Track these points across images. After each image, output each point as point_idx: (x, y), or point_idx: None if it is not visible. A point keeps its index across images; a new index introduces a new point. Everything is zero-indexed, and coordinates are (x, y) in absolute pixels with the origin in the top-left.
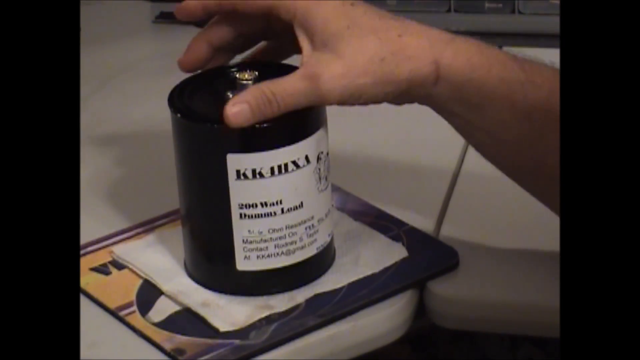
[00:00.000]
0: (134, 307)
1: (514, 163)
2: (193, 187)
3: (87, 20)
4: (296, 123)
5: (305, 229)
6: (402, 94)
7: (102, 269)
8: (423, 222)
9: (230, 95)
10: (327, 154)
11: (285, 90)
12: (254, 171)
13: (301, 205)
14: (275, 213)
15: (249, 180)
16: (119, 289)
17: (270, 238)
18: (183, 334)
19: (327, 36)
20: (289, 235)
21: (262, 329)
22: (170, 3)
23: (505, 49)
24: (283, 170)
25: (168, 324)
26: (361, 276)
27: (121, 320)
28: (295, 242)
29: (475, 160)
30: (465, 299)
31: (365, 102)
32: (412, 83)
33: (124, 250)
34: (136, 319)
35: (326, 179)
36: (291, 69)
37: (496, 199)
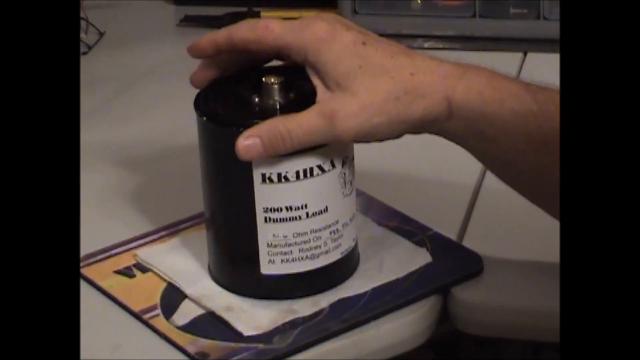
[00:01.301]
0: (158, 310)
1: (533, 190)
2: (218, 191)
3: (112, 22)
4: None
5: (330, 233)
6: (416, 129)
7: (127, 272)
8: (447, 228)
9: (256, 100)
10: (352, 158)
11: (301, 127)
12: (279, 175)
13: (326, 209)
14: (300, 217)
15: (274, 184)
16: (143, 292)
17: (295, 242)
18: (207, 337)
19: (340, 76)
20: (313, 239)
21: (285, 333)
22: (195, 7)
23: (530, 54)
24: (308, 175)
25: (192, 327)
26: (385, 281)
27: (145, 323)
28: (320, 247)
29: None
30: (489, 304)
31: (379, 140)
32: (425, 120)
33: (147, 254)
34: (160, 322)
35: (351, 183)
36: None
37: (521, 205)
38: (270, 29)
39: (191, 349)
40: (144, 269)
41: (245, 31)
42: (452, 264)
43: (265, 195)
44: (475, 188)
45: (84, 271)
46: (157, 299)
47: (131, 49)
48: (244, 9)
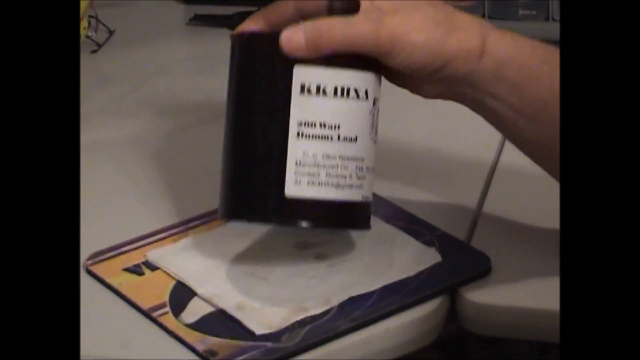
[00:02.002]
0: (167, 308)
1: (552, 149)
2: (251, 105)
3: (122, 21)
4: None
5: (356, 168)
6: (446, 66)
7: (136, 270)
8: (455, 228)
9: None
10: (378, 111)
11: (347, 26)
12: (318, 87)
13: (355, 139)
14: (331, 138)
15: (312, 96)
16: (152, 290)
17: (324, 165)
18: (215, 335)
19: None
20: (341, 167)
21: (294, 331)
22: (205, 6)
23: None
24: (345, 94)
25: (201, 325)
26: (394, 280)
27: (154, 320)
28: (345, 178)
29: (508, 166)
30: (497, 305)
31: (411, 63)
32: (459, 53)
33: (157, 255)
34: (169, 320)
35: (376, 132)
36: None
37: (529, 206)
38: None
39: (200, 347)
40: (153, 266)
41: None
42: (460, 264)
43: (301, 107)
44: (484, 188)
45: (93, 269)
46: (166, 297)
47: (141, 47)
48: (254, 8)
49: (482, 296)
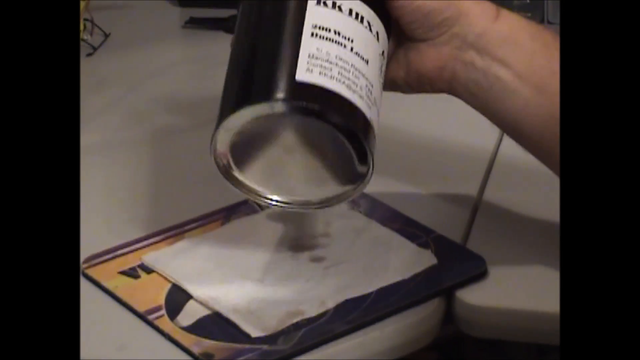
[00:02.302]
0: (163, 311)
1: (554, 129)
2: (268, 10)
3: (117, 24)
4: None
5: (366, 86)
6: (460, 17)
7: (132, 272)
8: (451, 230)
9: None
10: (384, 72)
11: None
12: (334, 3)
13: (367, 62)
14: (345, 46)
15: (328, 9)
16: (148, 293)
17: (337, 64)
18: (211, 338)
19: None
20: (353, 73)
21: (290, 334)
22: (200, 9)
23: None
24: (359, 19)
25: (197, 328)
26: (390, 282)
27: (150, 323)
28: (357, 85)
29: (504, 169)
30: (493, 307)
31: (425, 11)
32: (473, 8)
33: (153, 258)
34: (165, 323)
35: (382, 85)
36: None
37: (525, 208)
38: None
39: (196, 350)
40: (148, 269)
41: None
42: (456, 266)
43: (317, 14)
44: (479, 191)
45: (89, 272)
46: (162, 300)
47: (136, 50)
48: None
49: (478, 298)
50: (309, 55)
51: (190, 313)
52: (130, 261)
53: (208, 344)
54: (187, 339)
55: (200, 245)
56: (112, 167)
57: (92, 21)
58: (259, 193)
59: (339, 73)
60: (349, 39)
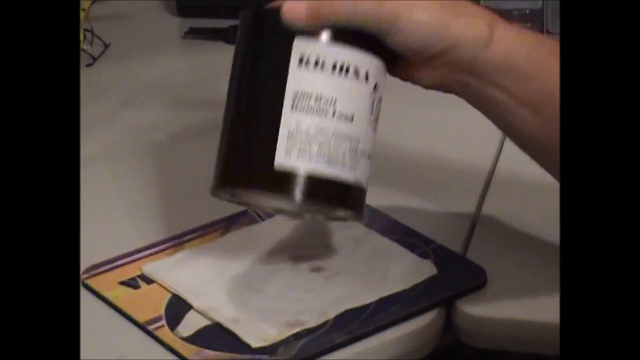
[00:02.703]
0: (163, 321)
1: (554, 144)
2: (251, 74)
3: (117, 34)
4: (368, 32)
5: (350, 149)
6: (450, 50)
7: (131, 283)
8: (451, 240)
9: None
10: (380, 99)
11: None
12: (316, 61)
13: (352, 118)
14: (326, 113)
15: (310, 70)
16: (148, 303)
17: (317, 139)
18: (211, 348)
19: None
20: (334, 144)
21: (290, 344)
22: (200, 19)
23: None
24: (344, 72)
25: (197, 339)
26: (390, 292)
27: (150, 334)
28: (338, 156)
29: (504, 179)
30: (493, 317)
31: (414, 42)
32: (464, 37)
33: (153, 268)
34: (165, 333)
35: (376, 120)
36: None
37: (524, 218)
38: None
39: None
40: (148, 280)
41: None
42: (456, 276)
43: (298, 79)
44: (479, 201)
45: (89, 282)
46: (162, 310)
47: (136, 60)
48: None
49: (477, 309)
50: (288, 133)
51: (191, 323)
52: (130, 271)
53: (208, 354)
54: (188, 350)
55: (200, 255)
56: (112, 178)
57: (92, 31)
58: (261, 205)
59: (319, 149)
60: (331, 102)
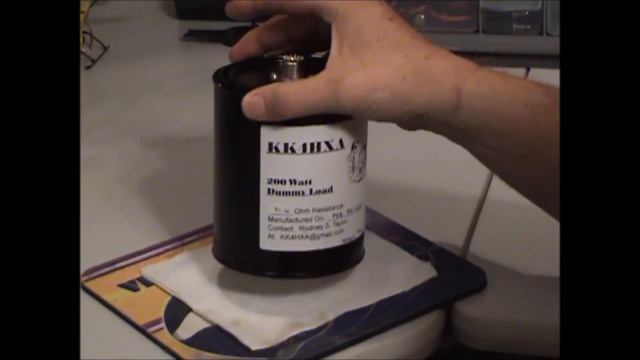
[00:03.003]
0: (162, 324)
1: (541, 187)
2: (226, 159)
3: (116, 37)
4: None
5: (333, 216)
6: (419, 117)
7: (131, 285)
8: (451, 243)
9: (274, 77)
10: (365, 147)
11: (307, 90)
12: (285, 146)
13: (331, 190)
14: (303, 193)
15: (280, 155)
16: (148, 305)
17: (296, 219)
18: (211, 351)
19: (357, 44)
20: (315, 218)
21: (290, 347)
22: (199, 21)
23: (533, 70)
24: (315, 149)
25: (196, 341)
26: (390, 294)
27: (149, 336)
28: (321, 228)
29: (503, 182)
30: (493, 319)
31: (380, 118)
32: (430, 106)
33: (152, 271)
34: (164, 336)
35: (360, 170)
36: None
37: (524, 220)
38: None
39: None
40: (148, 282)
41: None
42: (456, 279)
43: (270, 165)
44: (479, 203)
45: (88, 284)
46: (161, 313)
47: (135, 63)
48: (248, 24)
49: (477, 311)
50: (269, 219)
51: (190, 326)
52: (129, 274)
53: (208, 357)
54: (187, 352)
55: (200, 257)
56: (111, 180)
57: (91, 34)
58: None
59: (300, 228)
60: (306, 182)
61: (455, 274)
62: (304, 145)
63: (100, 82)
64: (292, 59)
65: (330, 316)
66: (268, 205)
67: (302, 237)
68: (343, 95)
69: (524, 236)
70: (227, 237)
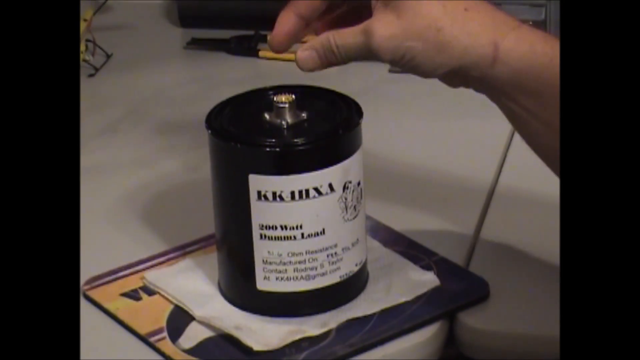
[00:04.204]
0: (165, 333)
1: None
2: (221, 204)
3: (119, 45)
4: (321, 149)
5: (328, 255)
6: (455, 71)
7: (133, 295)
8: (454, 253)
9: (267, 117)
10: (359, 183)
11: (347, 41)
12: (274, 194)
13: (323, 232)
14: (295, 237)
15: (269, 202)
16: (150, 315)
17: (290, 261)
18: None
19: None
20: (309, 260)
21: (292, 357)
22: (202, 30)
23: None
24: (304, 196)
25: (198, 351)
26: (392, 304)
27: (151, 346)
28: (316, 268)
29: (507, 191)
30: (495, 330)
31: (417, 69)
32: (465, 60)
33: (155, 277)
34: (166, 345)
35: (355, 208)
36: (327, 92)
37: (527, 230)
38: None
39: None
40: (150, 291)
41: None
42: (459, 289)
43: (260, 212)
44: (482, 213)
45: (90, 293)
46: (163, 322)
47: (138, 71)
48: (251, 32)
49: (480, 321)
50: (263, 261)
51: (192, 335)
52: (131, 283)
53: None
54: None
55: (202, 265)
56: (114, 188)
57: (94, 42)
58: None
59: (294, 270)
60: (297, 227)
61: (458, 285)
62: (292, 193)
63: (103, 90)
64: (283, 99)
65: (333, 324)
66: (261, 249)
67: (297, 278)
68: (377, 47)
69: (526, 247)
70: (228, 276)
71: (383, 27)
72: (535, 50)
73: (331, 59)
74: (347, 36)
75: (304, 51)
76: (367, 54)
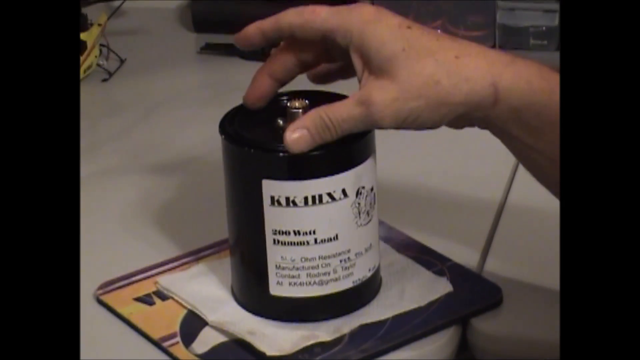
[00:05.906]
0: (178, 338)
1: None
2: (235, 209)
3: (133, 49)
4: (335, 155)
5: (340, 261)
6: (460, 117)
7: (146, 299)
8: (467, 258)
9: (281, 123)
10: (372, 189)
11: (341, 116)
12: (287, 199)
13: (336, 237)
14: (308, 242)
15: (283, 208)
16: (163, 320)
17: (303, 267)
18: None
19: (382, 60)
20: (322, 265)
21: None
22: (216, 35)
23: None
24: (317, 201)
25: (212, 356)
26: (405, 309)
27: (164, 351)
28: (329, 274)
29: (520, 197)
30: (508, 336)
31: (422, 126)
32: (468, 106)
33: (169, 281)
34: (180, 350)
35: (368, 213)
36: (340, 97)
37: (541, 236)
38: (316, 12)
39: None
40: (163, 296)
41: (292, 16)
42: (472, 294)
43: (274, 218)
44: (495, 219)
45: (104, 298)
46: (176, 327)
47: (152, 76)
48: None
49: (493, 327)
50: (276, 267)
51: (205, 340)
52: (145, 288)
53: None
54: None
55: (216, 270)
56: (128, 193)
57: (108, 46)
58: None
59: (307, 275)
60: (310, 232)
61: (471, 290)
62: (305, 198)
63: (117, 95)
64: (297, 104)
65: (346, 329)
66: (274, 254)
67: (309, 283)
68: (378, 115)
69: (540, 253)
70: (241, 281)
71: (381, 93)
72: (533, 87)
73: (325, 136)
74: (341, 110)
75: (294, 132)
76: (366, 124)
